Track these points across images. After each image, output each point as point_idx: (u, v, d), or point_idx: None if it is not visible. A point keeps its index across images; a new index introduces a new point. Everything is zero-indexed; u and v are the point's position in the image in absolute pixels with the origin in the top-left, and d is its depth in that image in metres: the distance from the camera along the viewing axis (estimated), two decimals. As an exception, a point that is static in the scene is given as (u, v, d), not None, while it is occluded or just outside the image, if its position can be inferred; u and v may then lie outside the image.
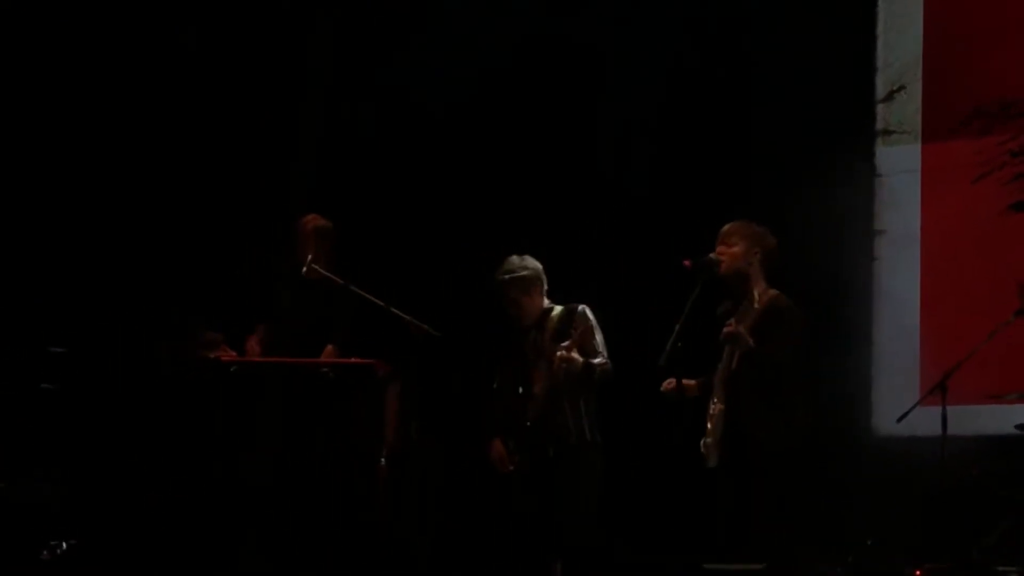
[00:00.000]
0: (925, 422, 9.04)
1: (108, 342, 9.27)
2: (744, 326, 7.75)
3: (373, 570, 8.81)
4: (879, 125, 10.54)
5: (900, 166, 10.43)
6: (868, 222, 10.41)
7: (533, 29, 10.95)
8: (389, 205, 11.05)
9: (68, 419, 8.95)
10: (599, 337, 8.69)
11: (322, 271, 9.22)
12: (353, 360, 9.01)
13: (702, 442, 7.91)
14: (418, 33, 11.11)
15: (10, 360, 9.50)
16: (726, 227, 7.98)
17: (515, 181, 10.95)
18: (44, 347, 9.43)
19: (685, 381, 7.93)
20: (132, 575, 8.87)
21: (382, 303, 8.88)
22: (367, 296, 9.04)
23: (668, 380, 7.90)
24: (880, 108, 10.57)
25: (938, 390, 8.81)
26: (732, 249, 7.92)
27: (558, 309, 8.79)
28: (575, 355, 8.44)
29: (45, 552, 8.94)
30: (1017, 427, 9.02)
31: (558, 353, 8.45)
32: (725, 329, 7.77)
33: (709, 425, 7.89)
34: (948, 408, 8.77)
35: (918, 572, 8.72)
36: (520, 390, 8.71)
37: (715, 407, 7.86)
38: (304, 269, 9.18)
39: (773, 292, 7.91)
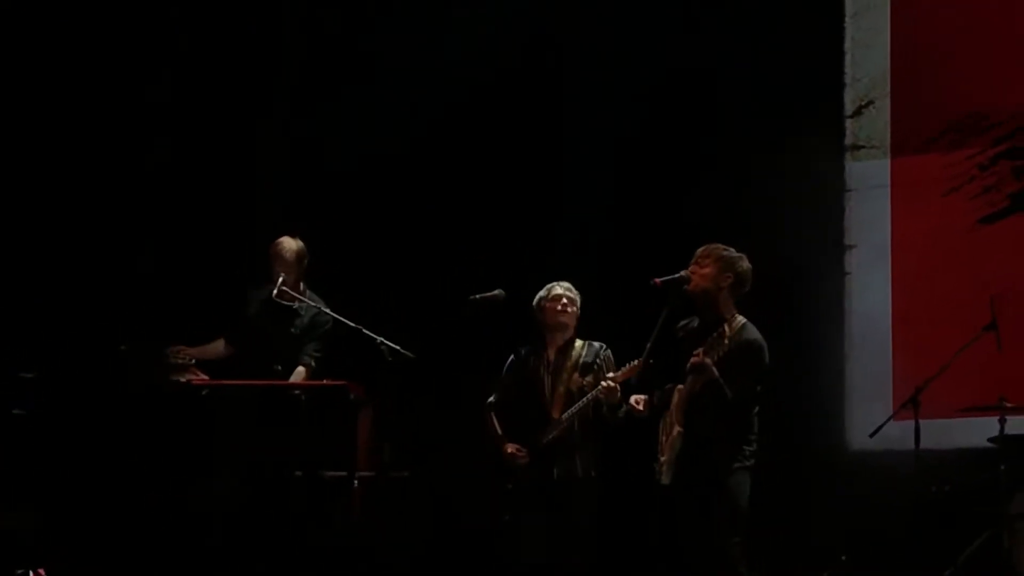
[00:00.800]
0: (898, 436, 9.06)
1: (78, 367, 9.20)
2: (713, 357, 7.75)
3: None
4: (848, 140, 10.56)
5: (870, 181, 10.45)
6: (839, 237, 10.41)
7: (501, 47, 10.95)
8: (360, 226, 11.03)
9: (39, 445, 8.88)
10: None
11: (293, 293, 9.20)
12: (325, 382, 8.99)
13: (658, 461, 7.90)
14: (384, 55, 11.12)
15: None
16: (701, 249, 7.99)
17: (485, 202, 10.94)
18: (14, 373, 9.37)
19: (635, 397, 7.99)
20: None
21: (354, 324, 8.85)
22: (339, 318, 9.02)
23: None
24: (849, 123, 10.59)
25: (911, 404, 8.83)
26: (703, 270, 7.92)
27: (579, 342, 9.02)
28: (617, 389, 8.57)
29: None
30: (990, 440, 9.02)
31: (603, 383, 8.57)
32: (693, 359, 7.76)
33: (663, 444, 7.88)
34: (921, 422, 8.80)
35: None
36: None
37: (673, 429, 7.84)
38: (275, 291, 9.17)
39: (742, 320, 7.90)
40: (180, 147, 11.09)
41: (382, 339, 8.68)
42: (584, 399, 8.76)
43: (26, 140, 10.75)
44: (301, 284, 9.35)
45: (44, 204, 10.73)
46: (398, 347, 8.67)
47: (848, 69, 10.64)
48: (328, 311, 9.17)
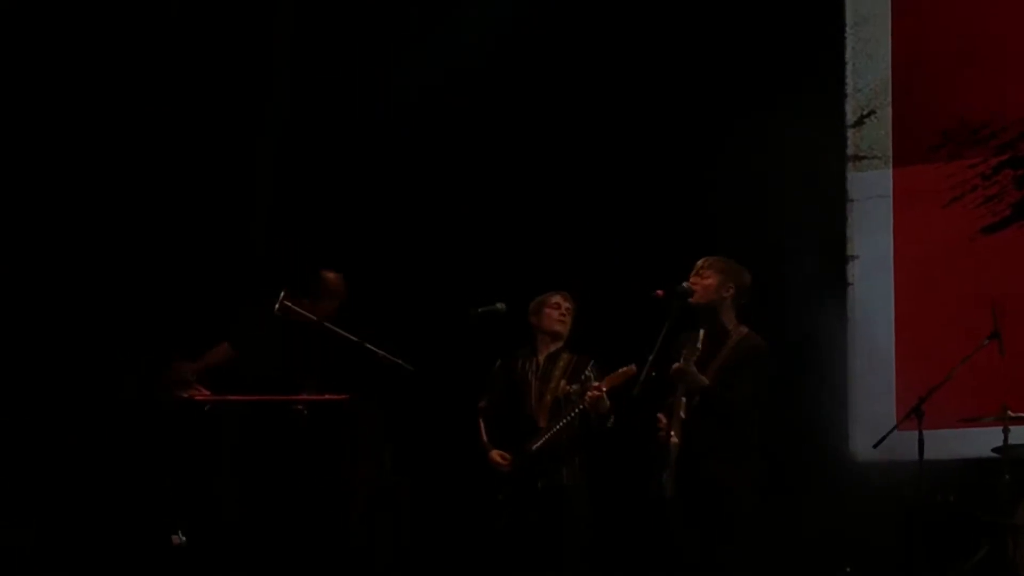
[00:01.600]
0: (902, 447, 9.04)
1: (80, 382, 9.22)
2: (714, 364, 7.74)
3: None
4: (850, 150, 10.55)
5: (872, 191, 10.44)
6: (841, 247, 10.41)
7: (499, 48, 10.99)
8: (360, 239, 11.03)
9: (40, 460, 8.90)
10: None
11: (295, 308, 9.20)
12: (326, 396, 8.99)
13: (660, 474, 7.89)
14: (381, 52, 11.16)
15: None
16: (701, 260, 7.99)
17: (485, 210, 10.95)
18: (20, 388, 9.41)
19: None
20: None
21: (355, 338, 8.85)
22: (340, 332, 9.02)
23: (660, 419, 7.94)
24: (850, 133, 10.58)
25: (914, 414, 8.81)
26: (705, 281, 7.91)
27: (567, 353, 9.04)
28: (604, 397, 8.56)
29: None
30: (994, 450, 9.01)
31: (589, 393, 8.59)
32: (674, 366, 7.75)
33: (666, 457, 7.86)
34: (925, 432, 8.77)
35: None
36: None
37: (672, 440, 7.82)
38: (276, 306, 9.16)
39: (744, 330, 7.90)
40: (177, 160, 11.09)
41: (384, 352, 8.68)
42: (571, 413, 8.73)
43: (25, 153, 10.75)
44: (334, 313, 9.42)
45: (42, 221, 10.72)
46: (399, 360, 8.68)
47: (849, 79, 10.64)
48: (329, 325, 9.17)
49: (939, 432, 9.02)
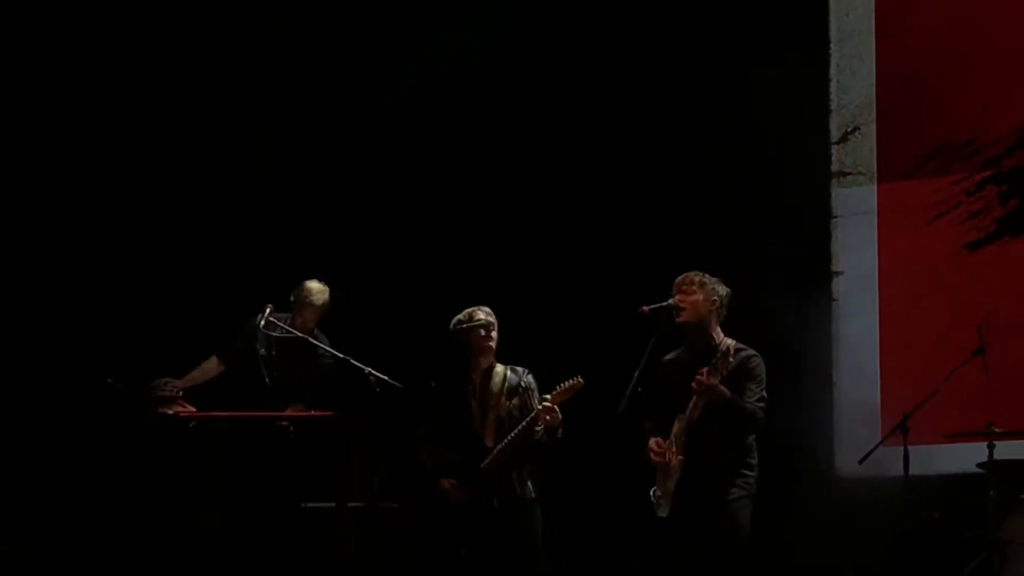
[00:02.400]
0: (887, 463, 9.04)
1: (65, 399, 9.21)
2: (717, 378, 7.75)
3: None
4: (834, 167, 10.57)
5: (856, 207, 10.46)
6: (825, 263, 10.42)
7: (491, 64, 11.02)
8: (348, 256, 11.03)
9: (28, 478, 8.88)
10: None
11: (282, 325, 9.20)
12: (313, 413, 8.98)
13: (652, 492, 7.89)
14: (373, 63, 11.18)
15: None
16: (682, 277, 8.01)
17: (470, 228, 10.95)
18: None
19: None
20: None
21: (343, 355, 8.85)
22: (328, 349, 9.02)
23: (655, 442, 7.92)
24: (835, 150, 10.60)
25: (899, 430, 8.81)
26: (691, 297, 7.93)
27: (500, 366, 8.92)
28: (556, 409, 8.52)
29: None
30: (979, 466, 9.01)
31: (542, 405, 8.53)
32: (699, 379, 7.73)
33: (661, 475, 7.86)
34: (910, 448, 8.77)
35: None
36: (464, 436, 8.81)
37: (673, 457, 7.82)
38: (263, 322, 9.16)
39: (731, 342, 7.91)
40: (169, 169, 11.09)
41: (371, 370, 8.68)
42: (520, 426, 8.64)
43: (12, 168, 10.75)
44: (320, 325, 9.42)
45: (29, 238, 10.72)
46: (387, 377, 8.67)
47: (834, 96, 10.65)
48: (313, 341, 9.17)
49: (924, 448, 9.01)
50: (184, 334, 10.39)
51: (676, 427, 7.86)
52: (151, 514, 8.76)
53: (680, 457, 7.79)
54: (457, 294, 10.02)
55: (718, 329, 7.98)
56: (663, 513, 7.84)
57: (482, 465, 8.67)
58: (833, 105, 10.64)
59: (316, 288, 9.45)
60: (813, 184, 10.52)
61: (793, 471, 9.90)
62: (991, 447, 8.88)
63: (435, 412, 8.92)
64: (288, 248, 10.92)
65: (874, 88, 10.54)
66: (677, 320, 7.89)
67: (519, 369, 8.93)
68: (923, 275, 10.18)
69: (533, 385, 8.84)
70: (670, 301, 7.93)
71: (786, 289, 10.06)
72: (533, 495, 8.70)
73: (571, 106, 10.99)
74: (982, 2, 10.31)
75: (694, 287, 7.94)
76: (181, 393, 9.08)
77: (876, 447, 9.02)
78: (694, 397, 7.80)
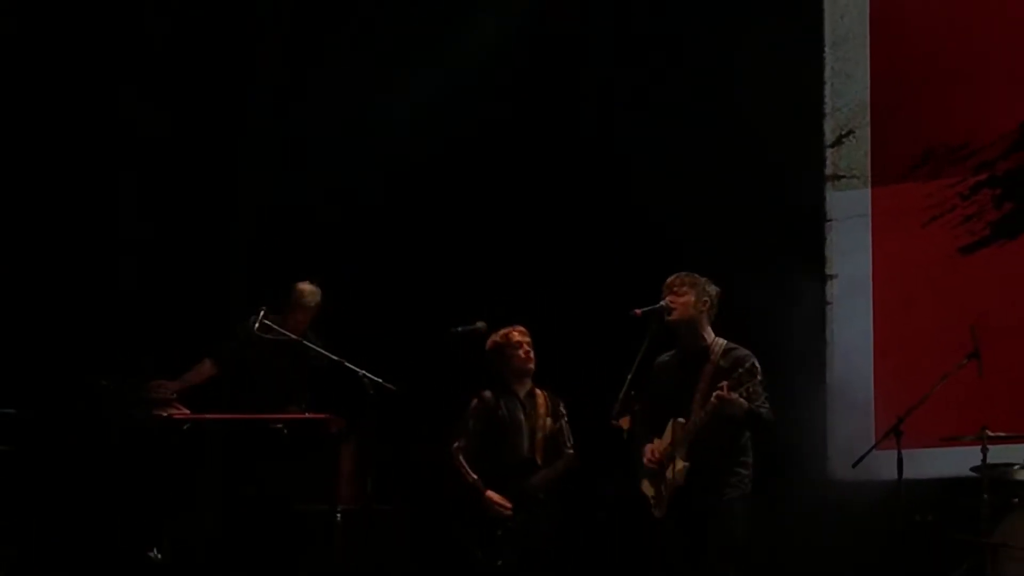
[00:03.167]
0: (881, 466, 9.06)
1: (58, 402, 9.19)
2: (703, 382, 7.76)
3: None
4: (829, 170, 10.58)
5: (850, 210, 10.46)
6: (819, 266, 10.43)
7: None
8: (340, 258, 11.03)
9: (18, 481, 8.86)
10: None
11: (275, 327, 9.20)
12: (307, 415, 8.98)
13: (649, 491, 7.87)
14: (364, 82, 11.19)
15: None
16: (672, 278, 8.01)
17: (468, 235, 10.96)
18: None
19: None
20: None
21: (336, 357, 8.84)
22: (321, 351, 9.01)
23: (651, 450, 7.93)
24: (829, 153, 10.60)
25: (893, 434, 8.82)
26: (682, 298, 7.93)
27: (538, 389, 9.14)
28: None
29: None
30: (973, 470, 9.02)
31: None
32: (719, 394, 7.65)
33: (660, 476, 7.84)
34: (904, 452, 8.77)
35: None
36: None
37: (676, 463, 7.80)
38: (256, 325, 9.15)
39: (723, 341, 7.92)
40: (157, 174, 11.09)
41: (364, 372, 8.68)
42: (568, 453, 8.95)
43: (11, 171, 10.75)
44: (312, 325, 9.42)
45: (21, 242, 10.71)
46: (380, 380, 8.67)
47: (828, 99, 10.67)
48: (308, 344, 9.16)
49: (918, 452, 9.04)
50: (178, 336, 10.39)
51: (675, 430, 7.83)
52: (144, 516, 8.75)
53: (684, 463, 7.77)
54: (451, 297, 10.07)
55: (709, 328, 7.99)
56: (659, 514, 7.83)
57: (529, 483, 8.85)
58: (827, 108, 10.65)
59: (308, 289, 9.49)
60: (807, 187, 10.53)
61: (787, 474, 9.89)
62: (984, 451, 8.88)
63: (477, 428, 9.05)
64: (282, 250, 10.91)
65: (868, 92, 10.55)
66: (668, 319, 7.89)
67: (554, 393, 9.16)
68: (917, 278, 10.19)
69: (566, 412, 9.07)
70: (661, 303, 7.93)
71: (780, 292, 10.05)
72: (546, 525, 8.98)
73: (565, 109, 11.00)
74: (976, 7, 10.32)
75: (685, 287, 7.95)
76: (175, 395, 9.08)
77: (870, 451, 9.03)
78: (697, 405, 7.78)
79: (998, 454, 8.96)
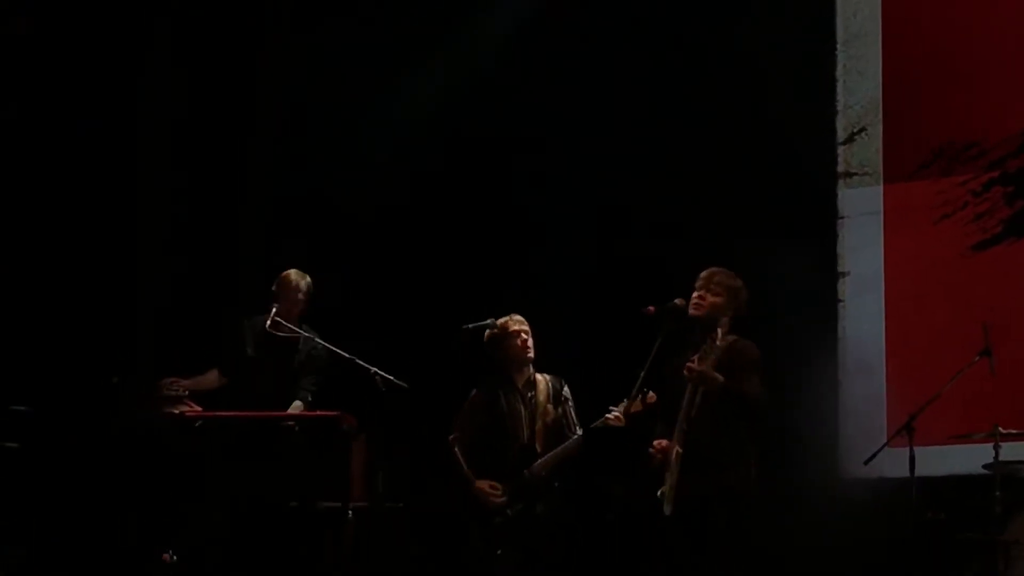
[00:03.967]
0: (893, 464, 9.06)
1: (71, 399, 9.20)
2: (707, 364, 7.73)
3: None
4: (840, 167, 10.56)
5: (862, 208, 10.45)
6: (831, 264, 10.42)
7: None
8: (351, 256, 11.04)
9: (31, 478, 8.87)
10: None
11: (288, 324, 9.20)
12: (318, 413, 8.98)
13: (659, 492, 7.87)
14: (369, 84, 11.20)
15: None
16: (712, 273, 7.96)
17: (475, 233, 10.98)
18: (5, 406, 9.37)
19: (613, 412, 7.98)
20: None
21: (348, 355, 8.85)
22: (333, 348, 9.01)
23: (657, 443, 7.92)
24: (841, 150, 10.59)
25: (905, 431, 8.81)
26: (715, 298, 7.89)
27: (539, 375, 9.09)
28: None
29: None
30: (985, 467, 9.01)
31: (613, 415, 8.52)
32: (689, 366, 7.69)
33: (666, 473, 7.83)
34: (915, 449, 8.77)
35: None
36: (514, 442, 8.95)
37: (674, 453, 7.80)
38: (268, 323, 9.16)
39: (731, 337, 7.90)
40: (170, 178, 11.10)
41: (376, 369, 8.68)
42: (573, 437, 8.85)
43: (19, 166, 10.75)
44: (304, 317, 9.39)
45: (33, 238, 10.72)
46: (392, 377, 8.67)
47: (840, 96, 10.65)
48: (322, 342, 9.16)
49: (930, 449, 9.02)
50: (190, 334, 10.40)
51: (681, 414, 7.83)
52: (155, 514, 8.75)
53: (679, 450, 7.75)
54: (460, 294, 10.07)
55: (726, 330, 7.92)
56: (668, 511, 7.82)
57: (529, 470, 8.80)
58: (839, 106, 10.63)
59: (296, 276, 9.41)
60: (819, 185, 10.51)
61: (798, 471, 9.89)
62: (997, 448, 8.87)
63: (477, 419, 9.02)
64: (292, 246, 10.91)
65: (880, 89, 10.53)
66: (691, 314, 7.86)
67: (556, 377, 9.09)
68: (929, 276, 10.17)
69: (570, 395, 9.01)
70: (676, 301, 7.91)
71: (792, 290, 10.04)
72: (565, 507, 8.90)
73: (574, 104, 10.99)
74: (988, 4, 10.30)
75: (720, 288, 7.91)
76: (187, 392, 9.08)
77: (882, 448, 9.03)
78: (688, 389, 7.76)
79: (1010, 451, 8.93)
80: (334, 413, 8.81)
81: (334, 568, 8.81)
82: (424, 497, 9.62)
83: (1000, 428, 8.88)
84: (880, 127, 10.51)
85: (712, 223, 10.34)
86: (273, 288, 9.41)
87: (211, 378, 9.41)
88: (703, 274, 7.97)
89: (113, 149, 11.00)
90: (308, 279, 9.41)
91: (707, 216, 10.41)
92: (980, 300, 9.86)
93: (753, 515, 7.78)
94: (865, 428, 9.90)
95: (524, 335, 9.03)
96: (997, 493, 8.84)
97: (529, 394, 9.02)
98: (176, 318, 10.80)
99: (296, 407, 9.17)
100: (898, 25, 10.54)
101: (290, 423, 8.83)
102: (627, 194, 10.77)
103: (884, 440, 9.15)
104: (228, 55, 11.33)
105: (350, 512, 8.75)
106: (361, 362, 8.74)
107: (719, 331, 7.79)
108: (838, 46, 10.68)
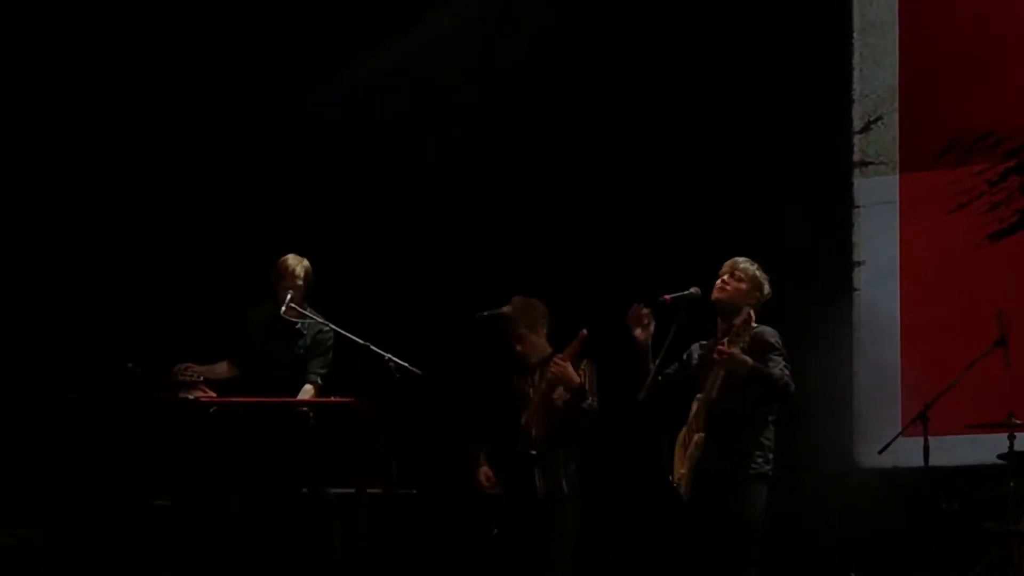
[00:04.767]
0: (907, 453, 9.06)
1: (86, 385, 9.22)
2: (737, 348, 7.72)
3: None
4: (856, 156, 10.56)
5: (878, 197, 10.45)
6: (847, 253, 10.41)
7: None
8: (366, 242, 11.05)
9: (46, 462, 8.89)
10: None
11: (300, 310, 9.20)
12: (332, 399, 8.98)
13: (677, 474, 7.85)
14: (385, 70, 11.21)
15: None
16: (740, 262, 7.99)
17: (494, 217, 10.97)
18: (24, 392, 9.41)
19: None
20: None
21: (362, 341, 8.85)
22: (347, 334, 9.01)
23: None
24: (857, 139, 10.58)
25: (920, 421, 8.81)
26: (738, 284, 7.90)
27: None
28: (570, 369, 8.41)
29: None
30: (999, 457, 9.00)
31: (553, 364, 8.41)
32: (720, 348, 7.67)
33: (684, 455, 7.83)
34: (930, 439, 8.77)
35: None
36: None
37: (694, 436, 7.80)
38: (283, 309, 9.15)
39: (753, 326, 7.89)
40: (184, 164, 11.11)
41: (390, 356, 8.68)
42: (542, 385, 8.58)
43: (30, 157, 10.76)
44: (308, 301, 9.37)
45: (47, 225, 10.74)
46: (406, 364, 8.67)
47: (856, 85, 10.64)
48: (333, 327, 9.15)
49: (944, 438, 9.03)
50: (205, 320, 10.41)
51: (695, 407, 7.84)
52: (170, 499, 8.77)
53: (701, 435, 7.76)
54: (475, 282, 10.06)
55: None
56: (684, 494, 7.81)
57: (531, 451, 8.60)
58: (855, 95, 10.63)
59: (293, 260, 9.36)
60: (835, 174, 10.51)
61: (813, 461, 9.90)
62: (1011, 438, 8.86)
63: (491, 401, 8.90)
64: (302, 236, 10.92)
65: (897, 78, 10.53)
66: (713, 296, 7.88)
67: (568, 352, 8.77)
68: (945, 265, 10.17)
69: (586, 369, 8.63)
70: (692, 289, 7.91)
71: (808, 279, 10.04)
72: (566, 490, 8.56)
73: (594, 98, 11.00)
74: (1005, -7, 10.30)
75: (744, 275, 7.93)
76: (202, 378, 9.08)
77: (896, 437, 9.01)
78: (713, 373, 7.76)
79: (1026, 441, 8.95)
80: (348, 399, 8.81)
81: (347, 555, 8.81)
82: (438, 484, 9.61)
83: (1015, 418, 8.87)
84: (896, 116, 10.51)
85: (725, 212, 10.33)
86: (272, 275, 9.38)
87: (222, 368, 9.40)
88: (728, 261, 7.99)
89: (133, 136, 11.00)
90: (306, 263, 9.33)
91: (720, 205, 10.41)
92: (996, 289, 9.86)
93: (765, 501, 7.78)
94: (879, 417, 9.90)
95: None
96: (1012, 483, 8.84)
97: (541, 375, 8.84)
98: (191, 307, 10.79)
99: (307, 391, 9.15)
100: (914, 14, 10.53)
101: (304, 409, 8.84)
102: (642, 183, 10.77)
103: (899, 429, 9.14)
104: (248, 48, 11.33)
105: (364, 499, 8.75)
106: (375, 348, 8.73)
107: (751, 313, 7.75)
108: (854, 35, 10.67)
